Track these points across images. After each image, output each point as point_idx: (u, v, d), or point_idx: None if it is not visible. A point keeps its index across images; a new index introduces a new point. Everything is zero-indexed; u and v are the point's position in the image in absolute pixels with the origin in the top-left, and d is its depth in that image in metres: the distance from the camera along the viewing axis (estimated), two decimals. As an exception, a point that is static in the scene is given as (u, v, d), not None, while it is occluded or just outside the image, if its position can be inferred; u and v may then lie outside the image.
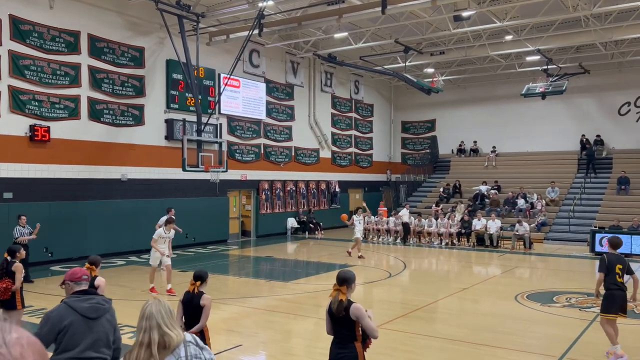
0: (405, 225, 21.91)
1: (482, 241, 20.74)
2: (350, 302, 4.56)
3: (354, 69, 26.54)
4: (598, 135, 27.06)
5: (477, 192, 25.76)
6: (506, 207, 24.17)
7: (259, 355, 7.92)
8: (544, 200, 23.86)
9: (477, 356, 7.70)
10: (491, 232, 20.53)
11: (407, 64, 24.58)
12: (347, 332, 4.56)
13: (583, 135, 27.21)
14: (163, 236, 11.66)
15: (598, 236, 18.71)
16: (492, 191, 25.64)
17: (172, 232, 11.98)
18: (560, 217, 22.92)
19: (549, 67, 23.85)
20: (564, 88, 22.69)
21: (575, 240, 20.65)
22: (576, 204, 23.31)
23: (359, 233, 17.53)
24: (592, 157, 25.71)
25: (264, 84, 23.62)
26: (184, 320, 5.61)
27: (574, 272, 15.82)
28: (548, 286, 13.10)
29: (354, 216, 17.99)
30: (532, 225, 21.70)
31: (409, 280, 14.32)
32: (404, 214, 22.49)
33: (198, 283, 5.67)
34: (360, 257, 16.98)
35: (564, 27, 21.29)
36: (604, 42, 22.53)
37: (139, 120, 18.47)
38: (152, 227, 13.24)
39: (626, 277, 7.39)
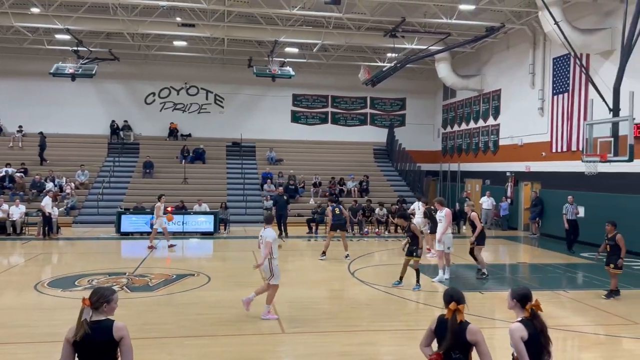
0: (47, 218, 18.37)
1: (4, 229, 18.90)
2: None
3: None
4: (126, 121, 28.55)
5: (3, 174, 23.30)
6: (33, 190, 22.71)
7: None
8: (73, 184, 23.58)
9: (-17, 358, 6.96)
10: (14, 219, 18.94)
11: None
12: None
13: (113, 121, 28.21)
14: None
15: (124, 217, 19.78)
16: (18, 174, 23.64)
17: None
18: (90, 200, 23.16)
19: (79, 48, 23.52)
20: (93, 72, 22.86)
21: (103, 223, 21.22)
22: (105, 187, 24.01)
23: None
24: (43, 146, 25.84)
25: None
26: None
27: (101, 254, 16.24)
28: (73, 270, 13.00)
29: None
30: (61, 209, 21.12)
31: None
32: (47, 202, 18.34)
33: None
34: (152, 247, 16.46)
35: (95, 11, 21.42)
36: (132, 33, 23.83)
37: None
38: None
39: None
